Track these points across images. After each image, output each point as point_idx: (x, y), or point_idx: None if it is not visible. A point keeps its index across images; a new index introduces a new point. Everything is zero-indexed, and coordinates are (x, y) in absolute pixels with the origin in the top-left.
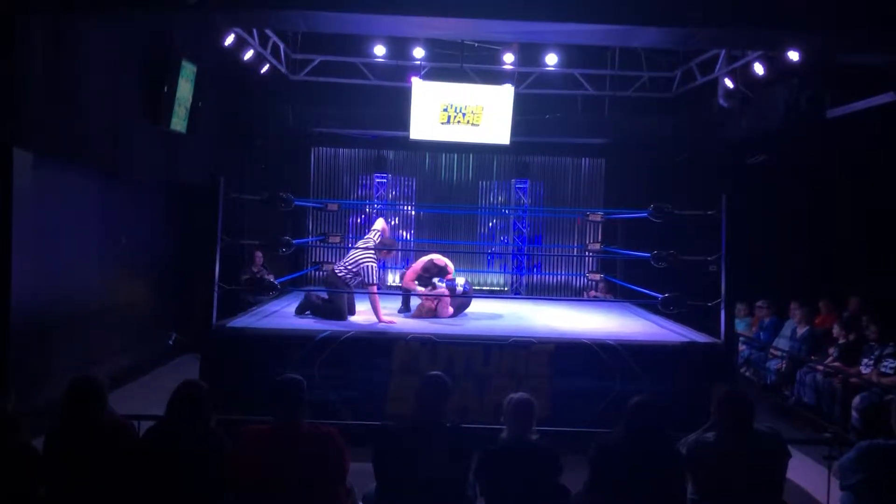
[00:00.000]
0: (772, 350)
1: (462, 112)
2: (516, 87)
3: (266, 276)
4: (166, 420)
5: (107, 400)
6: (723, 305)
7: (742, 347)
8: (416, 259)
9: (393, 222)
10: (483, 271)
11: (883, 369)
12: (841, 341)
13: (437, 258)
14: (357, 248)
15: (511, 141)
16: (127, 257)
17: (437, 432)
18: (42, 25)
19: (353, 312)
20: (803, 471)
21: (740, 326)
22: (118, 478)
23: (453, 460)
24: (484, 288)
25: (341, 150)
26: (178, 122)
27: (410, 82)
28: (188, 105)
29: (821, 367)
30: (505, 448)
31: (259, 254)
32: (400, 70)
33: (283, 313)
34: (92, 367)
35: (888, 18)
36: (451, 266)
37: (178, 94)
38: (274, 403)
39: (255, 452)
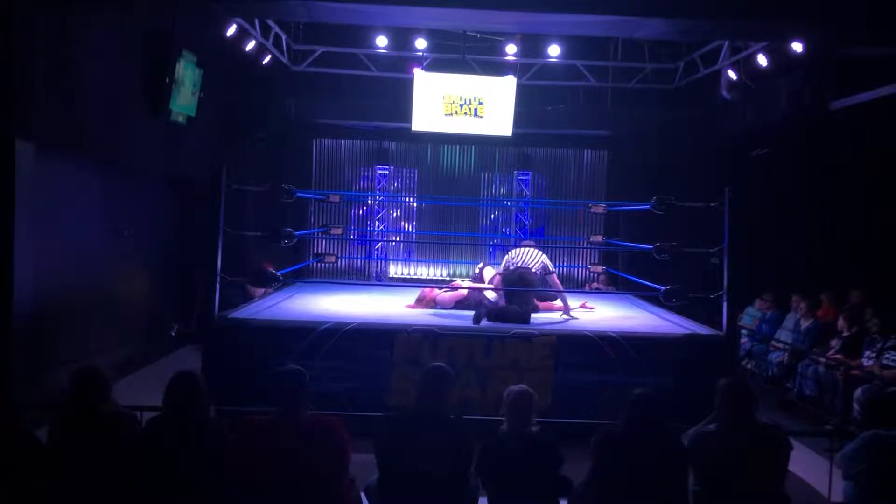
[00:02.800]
0: (773, 342)
1: (464, 103)
2: (518, 79)
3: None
4: (164, 412)
5: (110, 391)
6: (725, 298)
7: (744, 340)
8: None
9: (395, 214)
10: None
11: (885, 361)
12: (844, 334)
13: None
14: (524, 248)
15: (513, 132)
16: (129, 248)
17: (439, 424)
18: (43, 17)
19: None
20: (805, 463)
21: (747, 319)
22: (121, 469)
23: (456, 452)
24: None
25: (343, 141)
26: (180, 115)
27: (412, 73)
28: (190, 95)
29: (822, 360)
30: (505, 441)
31: (260, 290)
32: (402, 61)
33: (285, 305)
34: (94, 358)
35: (891, 9)
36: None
37: (181, 84)
38: (276, 395)
39: (258, 444)
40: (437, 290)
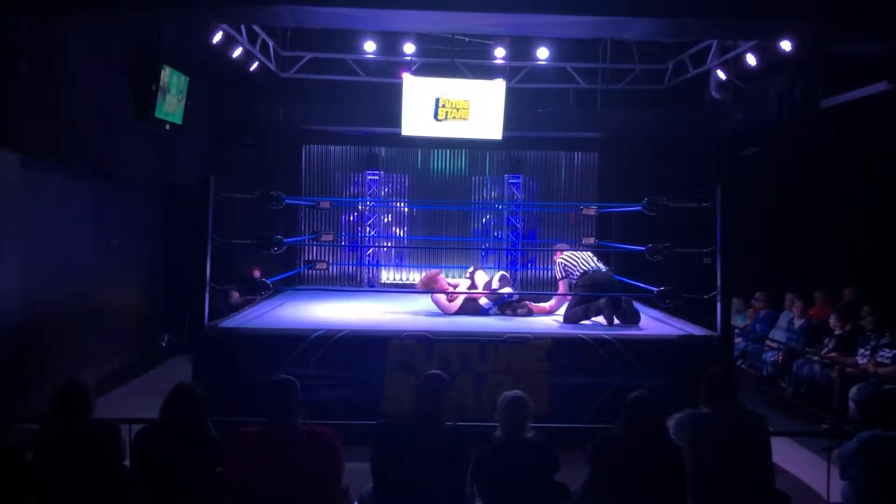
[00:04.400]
0: (768, 342)
1: (454, 107)
2: (508, 82)
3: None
4: (160, 423)
5: (93, 404)
6: (718, 298)
7: (738, 340)
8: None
9: (386, 219)
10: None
11: (879, 359)
12: (837, 332)
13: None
14: (584, 250)
15: (503, 136)
16: (118, 258)
17: (435, 431)
18: (29, 26)
19: None
20: (802, 462)
21: (738, 321)
22: (108, 482)
23: (452, 460)
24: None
25: (333, 147)
26: (166, 122)
27: (401, 78)
28: (176, 103)
29: (817, 358)
30: (500, 447)
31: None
32: (390, 66)
33: (277, 313)
34: (84, 371)
35: (880, 7)
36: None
37: (166, 91)
38: (268, 404)
39: (250, 454)
40: (447, 284)
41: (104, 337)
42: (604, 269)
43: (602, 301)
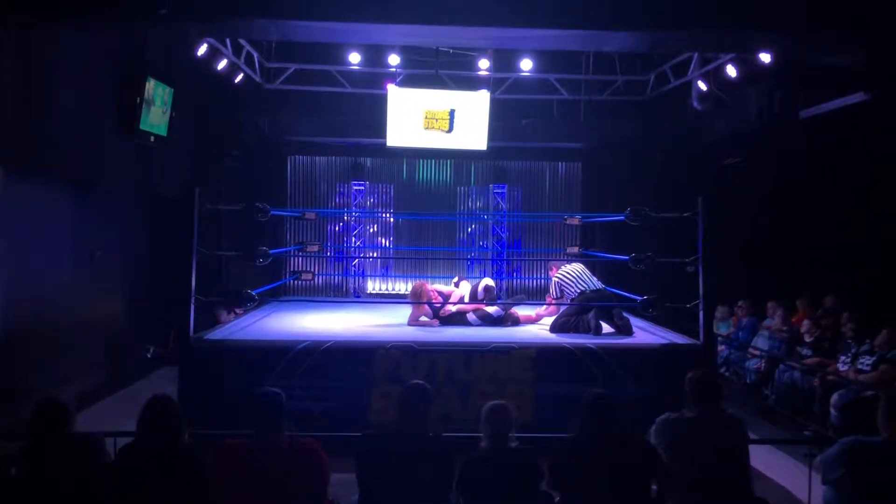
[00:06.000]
0: (750, 350)
1: (438, 118)
2: (492, 93)
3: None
4: (139, 438)
5: (73, 419)
6: (701, 306)
7: (721, 347)
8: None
9: (371, 230)
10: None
11: (860, 366)
12: (808, 339)
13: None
14: (576, 263)
15: (488, 146)
16: (102, 271)
17: (420, 441)
18: (11, 39)
19: None
20: (784, 469)
21: (722, 328)
22: (92, 498)
23: (437, 469)
24: None
25: (318, 158)
26: (151, 134)
27: (386, 89)
28: (161, 115)
29: (797, 366)
30: (484, 457)
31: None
32: (375, 77)
33: (263, 324)
34: (69, 383)
35: (856, 19)
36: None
37: (151, 104)
38: (253, 416)
39: (235, 466)
40: (436, 293)
41: (88, 349)
42: (600, 287)
43: (591, 321)
